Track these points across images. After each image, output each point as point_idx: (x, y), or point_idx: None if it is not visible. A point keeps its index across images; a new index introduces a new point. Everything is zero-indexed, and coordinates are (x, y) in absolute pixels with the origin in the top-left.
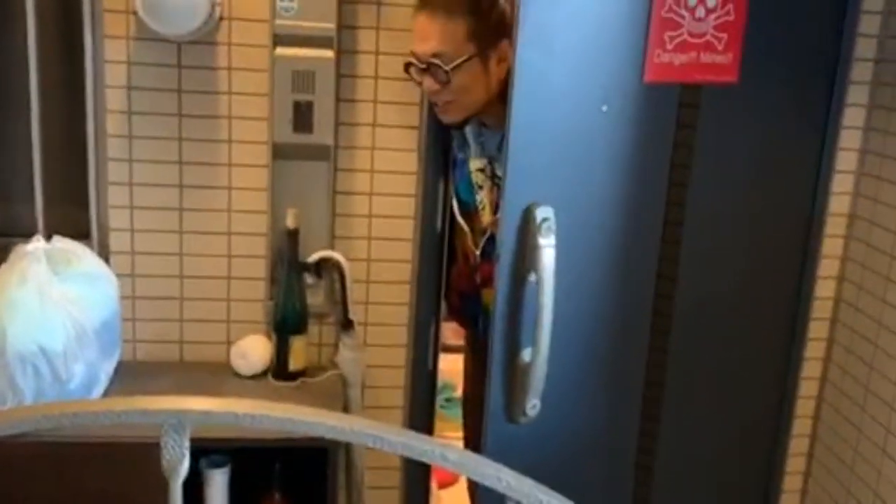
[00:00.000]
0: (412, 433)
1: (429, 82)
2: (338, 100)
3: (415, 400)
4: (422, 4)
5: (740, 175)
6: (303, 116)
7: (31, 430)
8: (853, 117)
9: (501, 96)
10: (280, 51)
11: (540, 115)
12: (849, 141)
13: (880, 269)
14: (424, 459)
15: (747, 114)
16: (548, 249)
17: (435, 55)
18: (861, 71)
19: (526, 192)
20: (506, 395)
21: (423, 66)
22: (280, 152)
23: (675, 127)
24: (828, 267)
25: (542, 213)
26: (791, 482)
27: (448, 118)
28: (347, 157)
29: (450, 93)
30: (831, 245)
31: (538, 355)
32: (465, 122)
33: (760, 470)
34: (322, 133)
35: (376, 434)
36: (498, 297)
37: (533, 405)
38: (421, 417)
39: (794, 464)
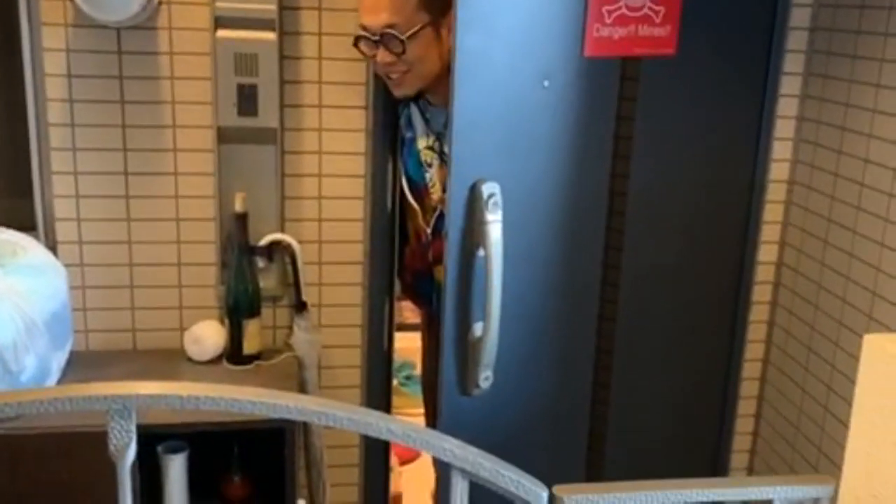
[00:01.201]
0: (358, 408)
1: (383, 54)
2: (282, 82)
3: (371, 379)
4: None
5: (682, 145)
6: (247, 99)
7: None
8: (790, 85)
9: (449, 69)
10: (221, 33)
11: (482, 93)
12: (786, 109)
13: (818, 233)
14: (370, 433)
15: (687, 85)
16: (495, 225)
17: (389, 25)
18: (796, 40)
19: (471, 169)
20: (459, 368)
21: (377, 37)
22: (225, 136)
23: (616, 100)
24: (769, 232)
25: (488, 188)
26: (740, 442)
27: (402, 90)
28: (294, 140)
29: (404, 63)
30: (772, 210)
31: (489, 329)
32: (419, 94)
33: (710, 430)
34: (267, 116)
35: (322, 410)
36: (448, 273)
37: (486, 377)
38: (378, 396)
39: (743, 424)
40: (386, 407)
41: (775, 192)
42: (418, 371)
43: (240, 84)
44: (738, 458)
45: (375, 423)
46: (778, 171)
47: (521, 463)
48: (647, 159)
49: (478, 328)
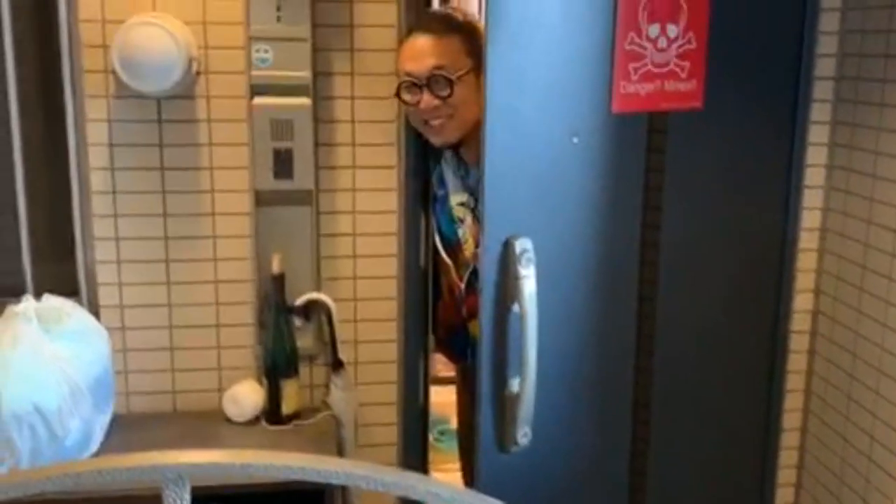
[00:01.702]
0: (405, 473)
1: (428, 99)
2: (316, 145)
3: (407, 436)
4: (417, 27)
5: (712, 195)
6: (283, 163)
7: (36, 492)
8: (818, 134)
9: None
10: (258, 100)
11: (513, 150)
12: (815, 157)
13: (853, 280)
14: (414, 497)
15: (715, 135)
16: (528, 280)
17: (437, 68)
18: (822, 89)
19: (504, 225)
20: (496, 425)
21: (423, 82)
22: (262, 199)
23: (645, 153)
24: (804, 280)
25: (521, 244)
26: (782, 494)
27: (442, 137)
28: (329, 200)
29: (449, 107)
30: (806, 259)
31: (525, 384)
32: (456, 146)
33: (752, 482)
34: (302, 178)
35: (368, 475)
36: (483, 328)
37: (524, 433)
38: (414, 453)
39: (785, 476)
40: (423, 463)
41: (808, 241)
42: (453, 425)
43: (276, 148)
44: None
45: (422, 487)
46: (810, 218)
47: None
48: (678, 210)
49: (514, 384)
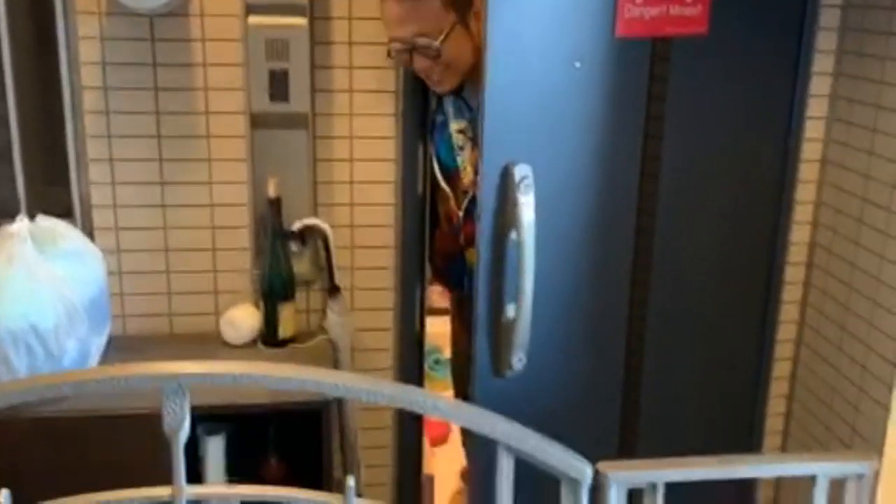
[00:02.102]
0: (406, 386)
1: (420, 61)
2: (313, 67)
3: (403, 361)
4: None
5: (714, 125)
6: (279, 85)
7: (35, 399)
8: (823, 63)
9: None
10: (253, 19)
11: (514, 75)
12: (819, 87)
13: (852, 212)
14: (416, 409)
15: (718, 64)
16: (527, 207)
17: (419, 34)
18: (829, 17)
19: (503, 152)
20: (492, 349)
21: (409, 47)
22: (258, 122)
23: (647, 80)
24: (802, 212)
25: (520, 171)
26: (772, 423)
27: (444, 87)
28: (325, 125)
29: (442, 65)
30: (805, 190)
31: (522, 310)
32: (462, 86)
33: (742, 410)
34: (299, 101)
35: (371, 388)
36: (480, 254)
37: (519, 358)
38: (410, 378)
39: (775, 405)
40: (418, 384)
41: (808, 172)
42: (447, 355)
43: (271, 70)
44: (771, 439)
45: (423, 400)
46: (810, 150)
47: (557, 437)
48: (679, 139)
49: (510, 309)
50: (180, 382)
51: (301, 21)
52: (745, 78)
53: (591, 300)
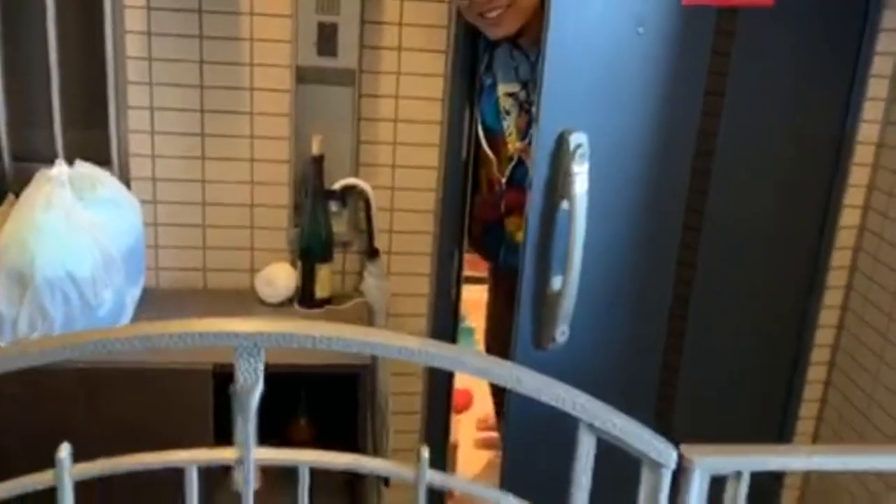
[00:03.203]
0: (492, 359)
1: None
2: (363, 22)
3: (437, 329)
4: None
5: (773, 102)
6: (327, 38)
7: (104, 353)
8: (886, 43)
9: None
10: None
11: (576, 39)
12: (881, 68)
13: None
14: (500, 382)
15: (781, 40)
16: (581, 176)
17: None
18: None
19: (559, 119)
20: (535, 322)
21: None
22: (303, 76)
23: (710, 51)
24: (855, 195)
25: (576, 139)
26: (808, 409)
27: (501, 30)
28: (372, 82)
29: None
30: (858, 173)
31: (568, 283)
32: (519, 33)
33: (779, 391)
34: (347, 56)
35: (457, 357)
36: (529, 224)
37: (562, 332)
38: (442, 340)
39: (812, 391)
40: None
41: (863, 155)
42: (469, 323)
43: (320, 22)
44: (805, 425)
45: (508, 373)
46: (868, 132)
47: None
48: (737, 114)
49: (556, 282)
50: (257, 342)
51: None
52: (806, 55)
53: (636, 271)
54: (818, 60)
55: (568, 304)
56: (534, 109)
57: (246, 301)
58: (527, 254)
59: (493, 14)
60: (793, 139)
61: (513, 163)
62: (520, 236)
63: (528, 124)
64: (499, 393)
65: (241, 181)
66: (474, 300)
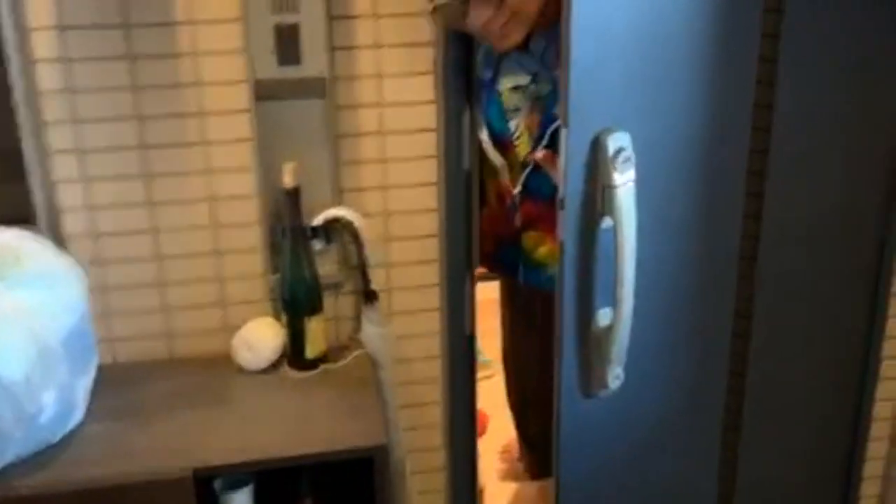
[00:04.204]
0: None
1: (478, 12)
2: (330, 18)
3: (454, 369)
4: None
5: (827, 90)
6: (287, 44)
7: None
8: None
9: None
10: None
11: (609, 13)
12: None
13: None
14: None
15: (834, 18)
16: (626, 188)
17: None
18: None
19: (594, 116)
20: (581, 365)
21: None
22: (263, 92)
23: (760, 24)
24: None
25: (616, 141)
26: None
27: (509, 42)
28: (348, 91)
29: (506, 13)
30: None
31: (620, 315)
32: (529, 38)
33: (847, 420)
34: (313, 63)
35: None
36: (565, 249)
37: (616, 375)
38: (461, 387)
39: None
40: (470, 399)
41: None
42: (485, 357)
43: (278, 24)
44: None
45: None
46: None
47: (653, 467)
48: (793, 97)
49: (603, 315)
50: None
51: None
52: (862, 37)
53: (694, 296)
54: (875, 43)
55: (621, 342)
56: (557, 108)
57: (223, 370)
58: (565, 285)
59: (495, 29)
60: (850, 131)
61: (527, 169)
62: (541, 252)
63: (543, 123)
64: (524, 422)
65: (200, 225)
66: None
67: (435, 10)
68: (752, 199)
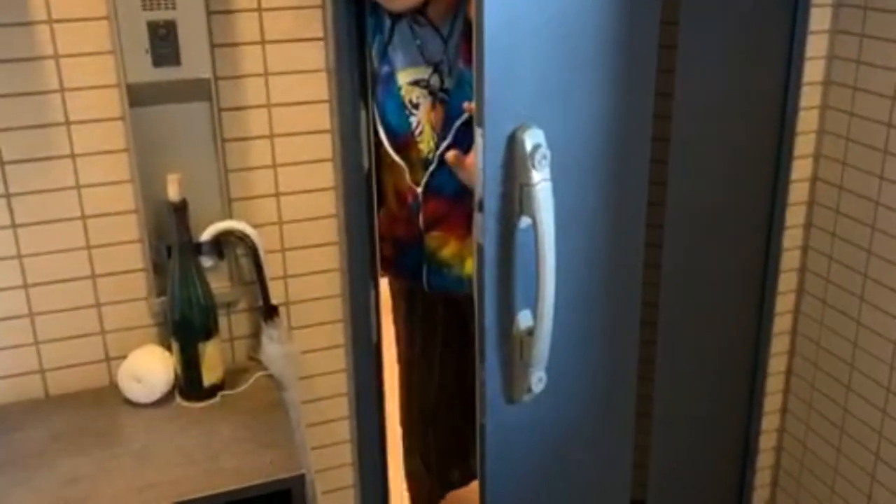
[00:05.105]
0: None
1: None
2: (209, 13)
3: (360, 383)
4: None
5: (720, 66)
6: (163, 42)
7: None
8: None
9: None
10: None
11: (517, 5)
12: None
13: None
14: None
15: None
16: (543, 185)
17: None
18: None
19: (507, 113)
20: (504, 372)
21: None
22: (138, 97)
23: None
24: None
25: (532, 138)
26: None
27: (404, 1)
28: (233, 92)
29: None
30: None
31: (542, 317)
32: (425, 3)
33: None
34: (194, 63)
35: None
36: (485, 253)
37: (539, 378)
38: (367, 401)
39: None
40: (379, 414)
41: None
42: None
43: (151, 22)
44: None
45: None
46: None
47: (574, 463)
48: (690, 82)
49: (525, 318)
50: None
51: None
52: (749, 24)
53: (605, 287)
54: (760, 30)
55: (543, 344)
56: (462, 103)
57: (108, 404)
58: (485, 289)
59: None
60: (743, 105)
61: (431, 167)
62: (444, 253)
63: (447, 118)
64: (423, 440)
65: (72, 248)
66: None
67: None
68: (654, 187)
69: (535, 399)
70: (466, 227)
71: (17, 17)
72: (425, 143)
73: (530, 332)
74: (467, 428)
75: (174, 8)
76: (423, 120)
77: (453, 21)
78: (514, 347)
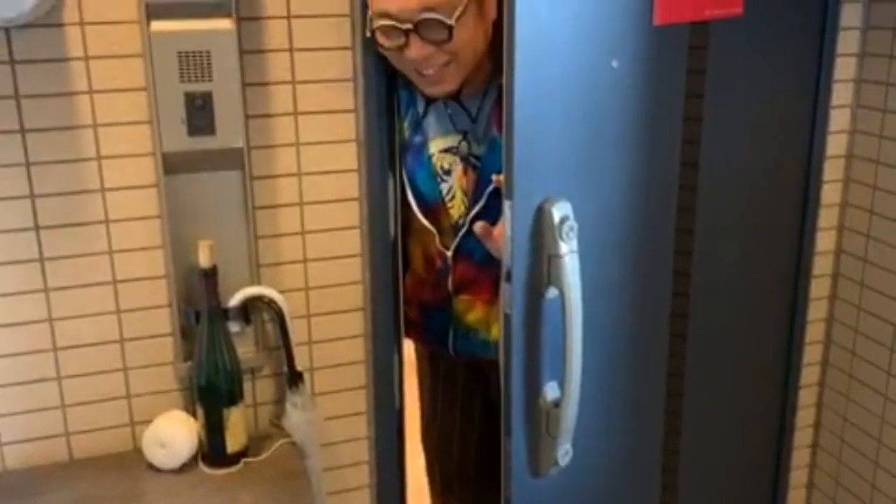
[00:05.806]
0: None
1: (419, 47)
2: (244, 85)
3: (383, 450)
4: None
5: (750, 120)
6: (199, 113)
7: None
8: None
9: (491, 48)
10: (157, 25)
11: (547, 81)
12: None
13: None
14: None
15: (753, 51)
16: (571, 257)
17: (428, 9)
18: None
19: (536, 185)
20: (530, 444)
21: (410, 27)
22: (173, 165)
23: (685, 72)
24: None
25: (560, 210)
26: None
27: (442, 87)
28: (265, 161)
29: (446, 53)
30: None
31: (569, 389)
32: (461, 88)
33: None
34: (228, 133)
35: None
36: (512, 323)
37: (565, 451)
38: (388, 469)
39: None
40: (401, 480)
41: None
42: None
43: (188, 93)
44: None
45: None
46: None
47: None
48: (718, 140)
49: (551, 389)
50: None
51: (226, 24)
52: (776, 63)
53: (631, 357)
54: (786, 71)
55: (570, 416)
56: (492, 172)
57: (131, 469)
58: (512, 361)
59: (431, 72)
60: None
61: (462, 232)
62: (471, 317)
63: (479, 184)
64: (450, 501)
65: (102, 312)
66: None
67: (373, 35)
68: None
69: (560, 472)
70: (493, 292)
71: (58, 86)
72: (456, 209)
73: (557, 404)
74: (490, 497)
75: (211, 80)
76: (454, 185)
77: (483, 98)
78: (541, 420)
